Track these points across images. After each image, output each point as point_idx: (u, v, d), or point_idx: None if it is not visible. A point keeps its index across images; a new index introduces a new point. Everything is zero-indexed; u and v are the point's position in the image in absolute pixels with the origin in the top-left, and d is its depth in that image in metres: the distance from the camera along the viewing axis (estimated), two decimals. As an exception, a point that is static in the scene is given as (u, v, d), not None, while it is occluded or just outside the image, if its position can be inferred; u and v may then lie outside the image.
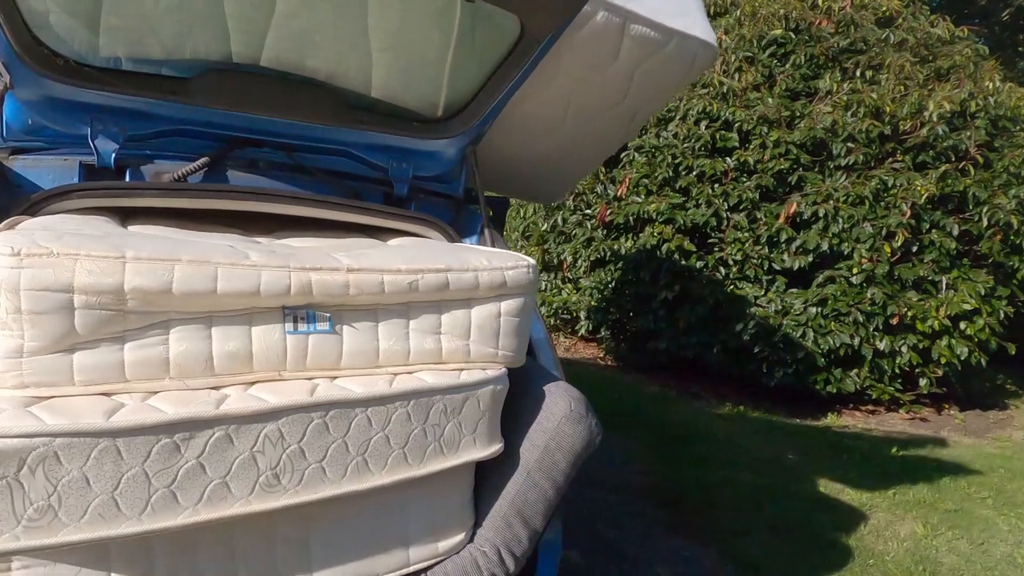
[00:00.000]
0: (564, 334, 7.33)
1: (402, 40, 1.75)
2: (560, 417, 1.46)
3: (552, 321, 7.17)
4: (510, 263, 1.40)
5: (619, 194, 6.08)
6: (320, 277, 1.18)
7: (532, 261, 1.46)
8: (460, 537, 1.44)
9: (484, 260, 1.38)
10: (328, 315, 1.22)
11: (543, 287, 7.10)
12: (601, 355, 6.92)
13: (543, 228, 6.78)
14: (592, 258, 6.36)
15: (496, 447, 1.42)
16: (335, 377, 1.24)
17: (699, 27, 1.90)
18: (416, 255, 1.36)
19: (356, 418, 1.20)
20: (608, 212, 6.13)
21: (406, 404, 1.25)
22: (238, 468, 1.09)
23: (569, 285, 6.84)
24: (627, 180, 6.02)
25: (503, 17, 1.66)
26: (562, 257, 6.66)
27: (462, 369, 1.36)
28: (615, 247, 6.16)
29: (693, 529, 3.34)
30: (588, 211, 6.45)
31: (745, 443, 4.69)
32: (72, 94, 1.48)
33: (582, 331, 6.70)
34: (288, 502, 1.15)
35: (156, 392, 1.08)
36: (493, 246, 1.88)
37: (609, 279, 6.35)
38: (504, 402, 1.48)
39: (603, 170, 6.36)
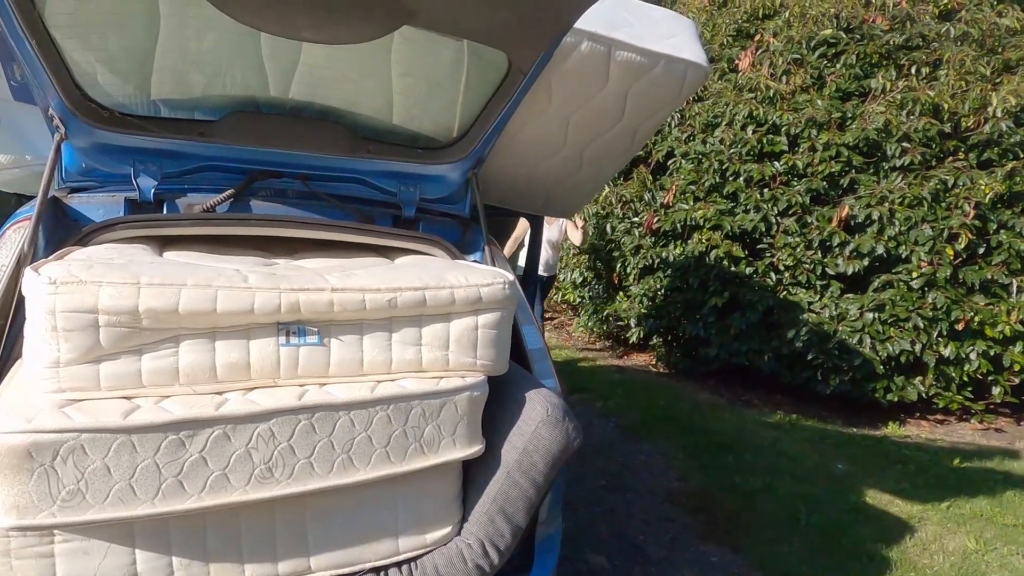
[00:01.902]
0: (617, 341, 7.37)
1: (408, 78, 1.92)
2: (537, 421, 1.57)
3: (604, 328, 7.23)
4: (486, 280, 1.54)
5: (666, 201, 6.10)
6: (307, 297, 1.36)
7: (510, 277, 1.59)
8: (447, 530, 1.58)
9: (462, 278, 1.52)
10: (316, 329, 1.39)
11: (595, 295, 7.17)
12: (653, 362, 6.91)
13: (592, 236, 6.85)
14: (641, 265, 6.39)
15: (476, 448, 1.56)
16: (324, 384, 1.41)
17: (687, 49, 1.98)
18: (401, 274, 1.51)
19: (340, 420, 1.36)
20: (656, 219, 6.15)
21: (386, 408, 1.41)
22: (235, 462, 1.28)
23: (620, 293, 6.88)
24: (674, 187, 6.03)
25: (492, 54, 1.80)
26: (611, 264, 6.72)
27: (441, 377, 1.50)
28: (663, 254, 6.17)
29: (724, 536, 3.35)
30: (636, 219, 6.48)
31: (792, 451, 4.61)
32: (117, 140, 1.73)
33: (634, 338, 6.72)
34: (281, 492, 1.32)
35: (168, 396, 1.28)
36: (493, 262, 2.02)
37: (658, 286, 6.36)
38: (487, 406, 1.62)
39: (650, 178, 6.39)
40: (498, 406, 1.64)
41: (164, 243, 1.77)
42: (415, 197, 2.06)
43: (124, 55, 1.65)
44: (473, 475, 1.63)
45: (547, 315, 8.96)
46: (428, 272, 1.53)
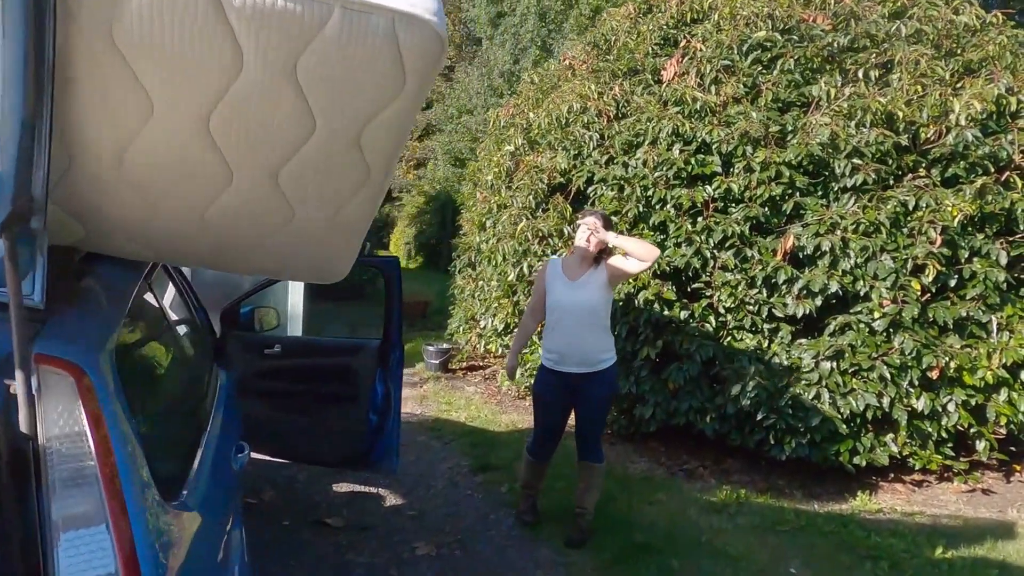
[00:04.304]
0: (549, 396, 6.39)
1: None
2: None
3: (532, 382, 6.25)
4: None
5: (587, 236, 5.19)
6: None
7: None
8: None
9: None
10: None
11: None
12: (587, 421, 5.93)
13: (510, 278, 5.91)
14: (564, 311, 5.44)
15: None
16: None
17: (390, -11, 1.07)
18: None
19: None
20: (576, 257, 5.23)
21: None
22: None
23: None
24: (594, 219, 5.13)
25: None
26: (533, 310, 5.77)
27: None
28: (587, 297, 5.25)
29: None
30: (556, 256, 5.57)
31: (735, 549, 3.64)
32: None
33: (563, 394, 5.75)
34: None
35: None
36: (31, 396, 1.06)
37: (585, 334, 5.41)
38: None
39: (569, 208, 5.51)
40: None
41: None
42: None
43: None
44: None
45: (479, 364, 7.97)
46: None
